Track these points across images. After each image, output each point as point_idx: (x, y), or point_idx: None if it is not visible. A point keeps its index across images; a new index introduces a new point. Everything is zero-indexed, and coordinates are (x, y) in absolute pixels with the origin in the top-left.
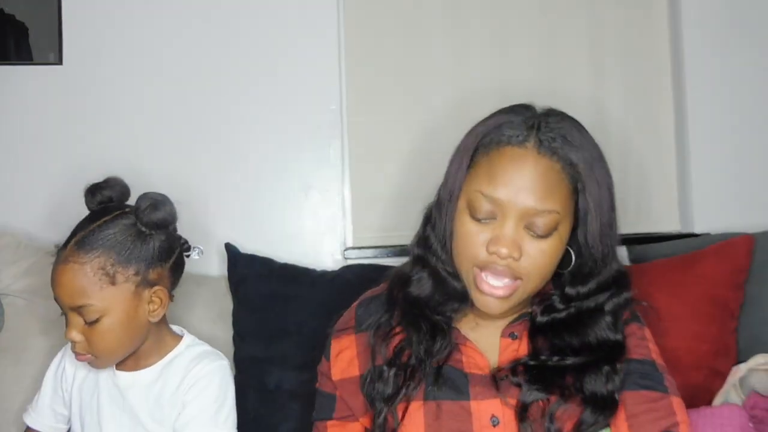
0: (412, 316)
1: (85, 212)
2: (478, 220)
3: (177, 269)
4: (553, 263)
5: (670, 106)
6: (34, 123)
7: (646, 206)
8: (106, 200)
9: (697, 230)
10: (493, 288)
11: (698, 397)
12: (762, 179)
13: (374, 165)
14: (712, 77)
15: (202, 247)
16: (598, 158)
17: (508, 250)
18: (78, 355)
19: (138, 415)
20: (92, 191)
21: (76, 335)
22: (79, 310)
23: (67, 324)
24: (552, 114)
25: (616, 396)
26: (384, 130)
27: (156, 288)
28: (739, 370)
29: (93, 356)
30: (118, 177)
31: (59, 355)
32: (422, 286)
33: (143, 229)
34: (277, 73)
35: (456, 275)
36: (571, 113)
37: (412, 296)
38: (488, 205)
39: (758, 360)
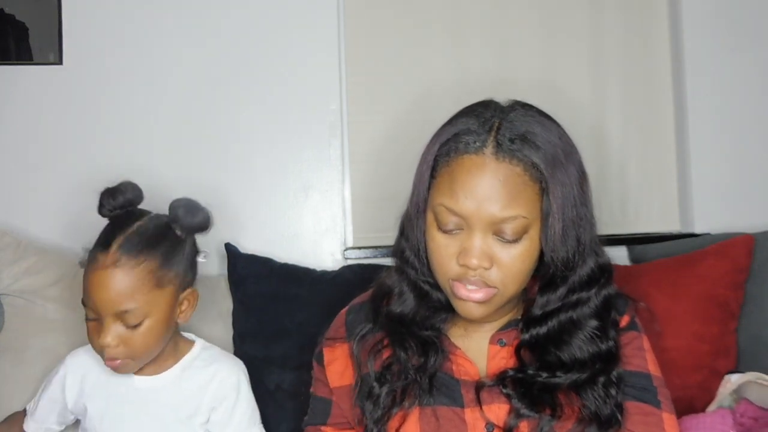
0: (399, 335)
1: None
2: (447, 232)
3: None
4: (527, 267)
5: (670, 106)
6: (33, 123)
7: (646, 206)
8: (127, 203)
9: (697, 230)
10: (470, 292)
11: (698, 397)
12: (762, 179)
13: (374, 165)
14: (712, 77)
15: (207, 251)
16: (564, 155)
17: (478, 261)
18: (109, 360)
19: (163, 416)
20: (113, 194)
21: (112, 340)
22: (122, 314)
23: (102, 329)
24: (514, 109)
25: (619, 416)
26: (384, 130)
27: (189, 290)
28: (730, 381)
29: (129, 359)
30: (131, 180)
31: (61, 371)
32: (405, 302)
33: (178, 233)
34: (277, 73)
35: (437, 286)
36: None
37: (395, 313)
38: (453, 218)
39: (749, 377)
